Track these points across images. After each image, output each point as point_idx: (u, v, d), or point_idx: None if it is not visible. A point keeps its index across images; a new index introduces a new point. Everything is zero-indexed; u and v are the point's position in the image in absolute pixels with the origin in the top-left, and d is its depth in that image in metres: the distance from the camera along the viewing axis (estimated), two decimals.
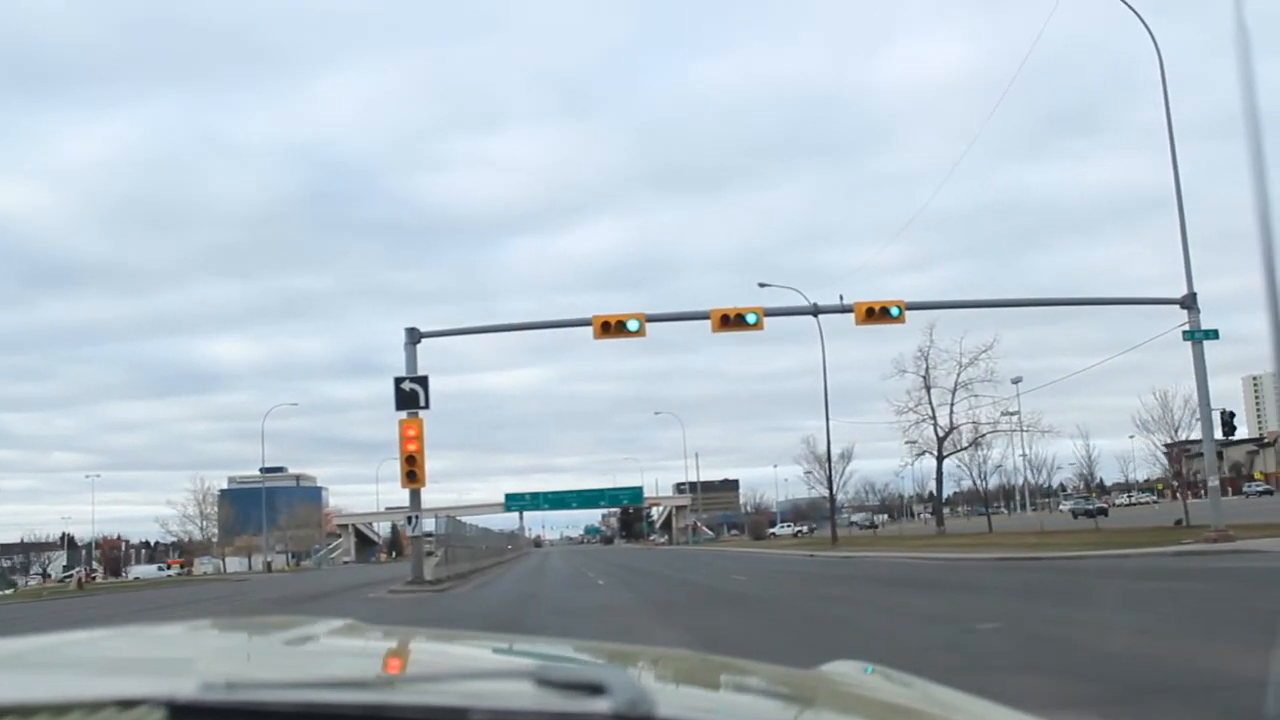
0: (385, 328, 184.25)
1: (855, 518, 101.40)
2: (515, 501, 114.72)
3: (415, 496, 28.70)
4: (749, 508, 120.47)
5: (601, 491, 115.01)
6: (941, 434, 55.52)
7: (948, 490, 63.96)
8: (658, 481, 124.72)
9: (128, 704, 1.00)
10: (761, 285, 47.97)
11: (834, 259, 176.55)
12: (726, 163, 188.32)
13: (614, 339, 30.15)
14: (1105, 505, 74.33)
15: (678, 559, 54.64)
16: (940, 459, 55.85)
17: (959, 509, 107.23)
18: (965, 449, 54.46)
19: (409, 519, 31.37)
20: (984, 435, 53.10)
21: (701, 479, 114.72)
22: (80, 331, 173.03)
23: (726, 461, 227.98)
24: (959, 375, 54.87)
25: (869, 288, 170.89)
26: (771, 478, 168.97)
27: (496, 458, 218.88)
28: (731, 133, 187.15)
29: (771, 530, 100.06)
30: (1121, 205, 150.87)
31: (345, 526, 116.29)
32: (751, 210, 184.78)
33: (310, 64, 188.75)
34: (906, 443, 55.85)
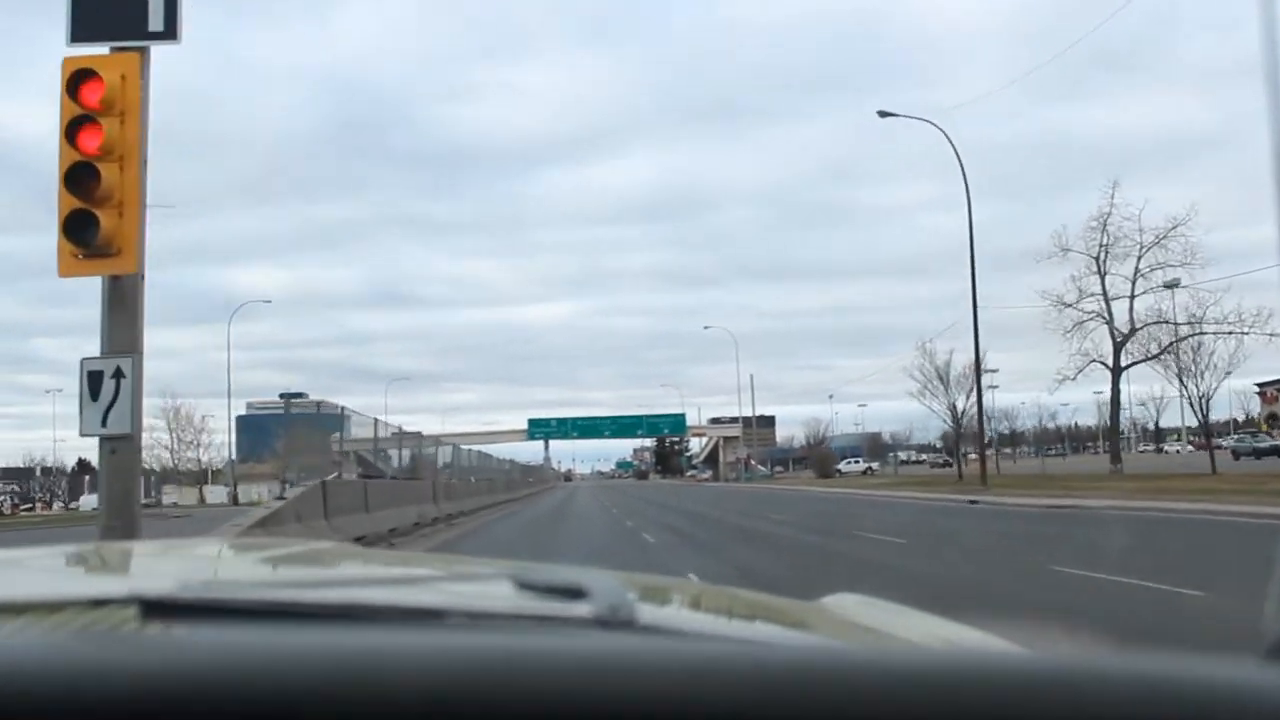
0: (415, 257, 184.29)
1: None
2: (540, 428, 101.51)
3: (117, 301, 8.02)
4: (806, 441, 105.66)
5: (639, 419, 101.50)
6: (1120, 337, 40.86)
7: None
8: (699, 414, 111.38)
9: (101, 603, 1.03)
10: (882, 114, 36.35)
11: (866, 196, 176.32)
12: (759, 95, 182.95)
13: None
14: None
15: (750, 502, 42.20)
16: (1117, 370, 41.23)
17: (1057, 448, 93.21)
18: (1156, 357, 39.67)
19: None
20: (1189, 337, 38.13)
21: (732, 415, 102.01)
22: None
23: (741, 400, 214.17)
24: (1140, 255, 40.11)
25: (902, 225, 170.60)
26: (798, 415, 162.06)
27: (526, 391, 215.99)
28: (764, 64, 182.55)
29: (836, 467, 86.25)
30: (1161, 145, 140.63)
31: (346, 454, 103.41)
32: (784, 144, 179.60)
33: None
34: (1069, 355, 41.24)
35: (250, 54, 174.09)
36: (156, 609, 0.93)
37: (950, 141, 37.24)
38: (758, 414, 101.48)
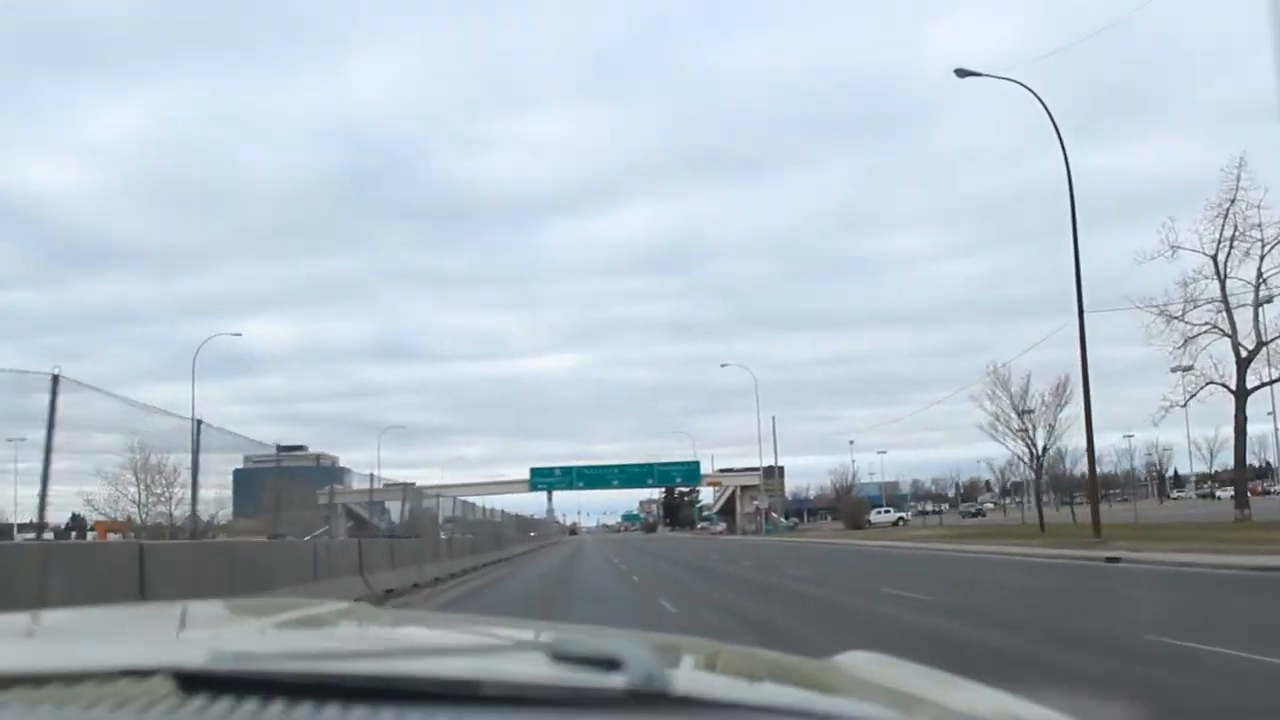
0: (422, 310, 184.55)
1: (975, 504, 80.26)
2: (543, 478, 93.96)
3: None
4: (829, 490, 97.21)
5: (648, 467, 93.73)
6: (1245, 353, 33.45)
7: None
8: (711, 463, 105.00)
9: (135, 673, 1.02)
10: (961, 73, 35.13)
11: (873, 244, 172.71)
12: (765, 144, 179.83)
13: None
14: None
15: (789, 559, 35.62)
16: (1242, 393, 33.75)
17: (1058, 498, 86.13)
18: None
19: None
20: None
21: (744, 466, 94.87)
22: (114, 313, 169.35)
23: (753, 451, 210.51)
24: (1264, 253, 32.94)
25: (910, 276, 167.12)
26: (804, 467, 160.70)
27: (532, 444, 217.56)
28: (771, 114, 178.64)
29: (867, 517, 78.58)
30: (1173, 188, 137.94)
31: (333, 507, 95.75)
32: (791, 193, 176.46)
33: (343, 40, 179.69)
34: (1175, 370, 33.87)
35: (258, 106, 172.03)
36: (190, 682, 0.95)
37: (1038, 99, 31.31)
38: (748, 467, 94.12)
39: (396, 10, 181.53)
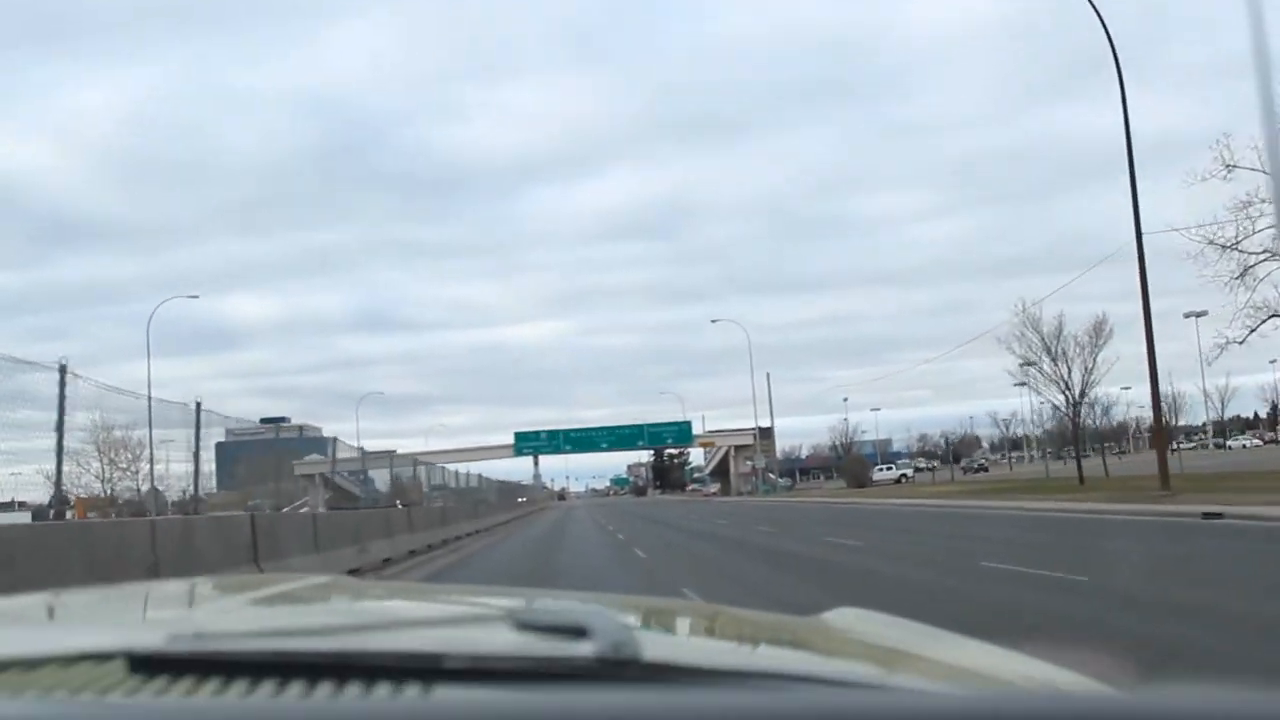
0: (406, 282, 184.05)
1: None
2: (528, 442, 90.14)
3: None
4: (826, 448, 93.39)
5: (639, 428, 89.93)
6: None
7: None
8: (702, 424, 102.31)
9: (93, 657, 1.00)
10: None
11: (857, 206, 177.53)
12: (747, 109, 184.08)
13: None
14: None
15: (798, 520, 33.58)
16: None
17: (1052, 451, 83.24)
18: None
19: None
20: None
21: (735, 427, 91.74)
22: (96, 291, 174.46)
23: (741, 414, 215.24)
24: None
25: (894, 236, 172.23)
26: (792, 428, 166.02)
27: (518, 411, 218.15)
28: (751, 78, 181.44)
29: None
30: (1154, 145, 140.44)
31: (309, 477, 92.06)
32: (773, 158, 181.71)
33: (319, 12, 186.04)
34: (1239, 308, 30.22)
35: (235, 80, 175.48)
36: (145, 664, 0.93)
37: (1102, 22, 27.31)
38: (741, 428, 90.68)
39: None
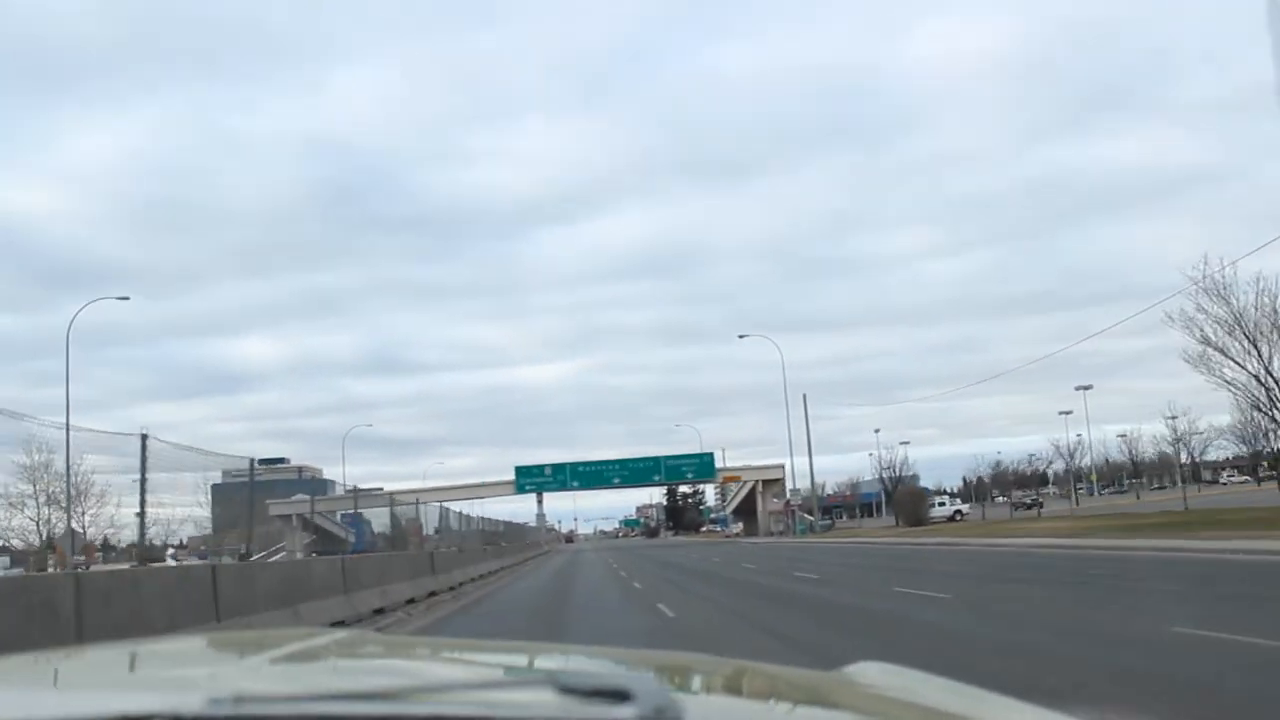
0: (412, 324, 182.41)
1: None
2: (530, 478, 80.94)
3: None
4: (885, 481, 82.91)
5: (654, 461, 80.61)
6: None
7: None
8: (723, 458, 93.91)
9: None
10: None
11: (866, 245, 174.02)
12: (753, 149, 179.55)
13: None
14: None
15: (900, 573, 26.12)
16: None
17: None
18: None
19: None
20: None
21: (758, 464, 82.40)
22: (99, 336, 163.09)
23: (757, 453, 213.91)
24: None
25: (903, 274, 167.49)
26: (805, 468, 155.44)
27: (524, 453, 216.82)
28: (757, 118, 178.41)
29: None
30: (1159, 182, 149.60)
31: (286, 519, 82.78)
32: (780, 198, 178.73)
33: (322, 57, 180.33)
34: None
35: (237, 126, 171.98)
36: None
37: None
38: (766, 464, 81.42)
39: (375, 25, 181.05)
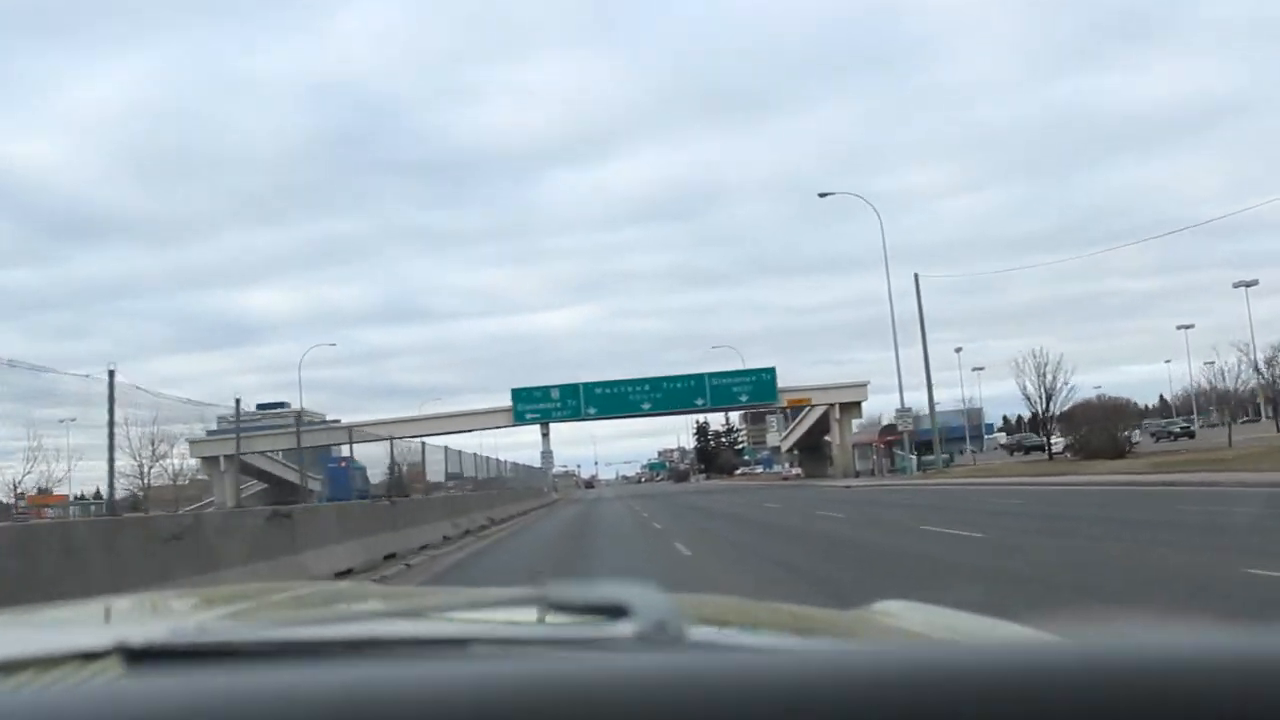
0: (424, 269, 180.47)
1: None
2: (530, 404, 61.56)
3: None
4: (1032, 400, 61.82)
5: (696, 380, 60.82)
6: None
7: None
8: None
9: (90, 656, 0.94)
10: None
11: (884, 182, 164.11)
12: (768, 84, 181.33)
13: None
14: None
15: None
16: None
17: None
18: None
19: None
20: None
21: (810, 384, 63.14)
22: (115, 286, 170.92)
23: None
24: None
25: (922, 213, 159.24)
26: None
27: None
28: (772, 51, 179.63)
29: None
30: (1184, 114, 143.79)
31: (213, 461, 63.99)
32: (796, 133, 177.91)
33: None
34: None
35: (243, 69, 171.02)
36: (144, 657, 0.87)
37: None
38: (842, 383, 61.73)
39: None
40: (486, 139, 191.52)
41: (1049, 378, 46.74)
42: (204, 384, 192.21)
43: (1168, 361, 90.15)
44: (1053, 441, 49.98)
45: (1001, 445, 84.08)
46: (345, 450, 40.93)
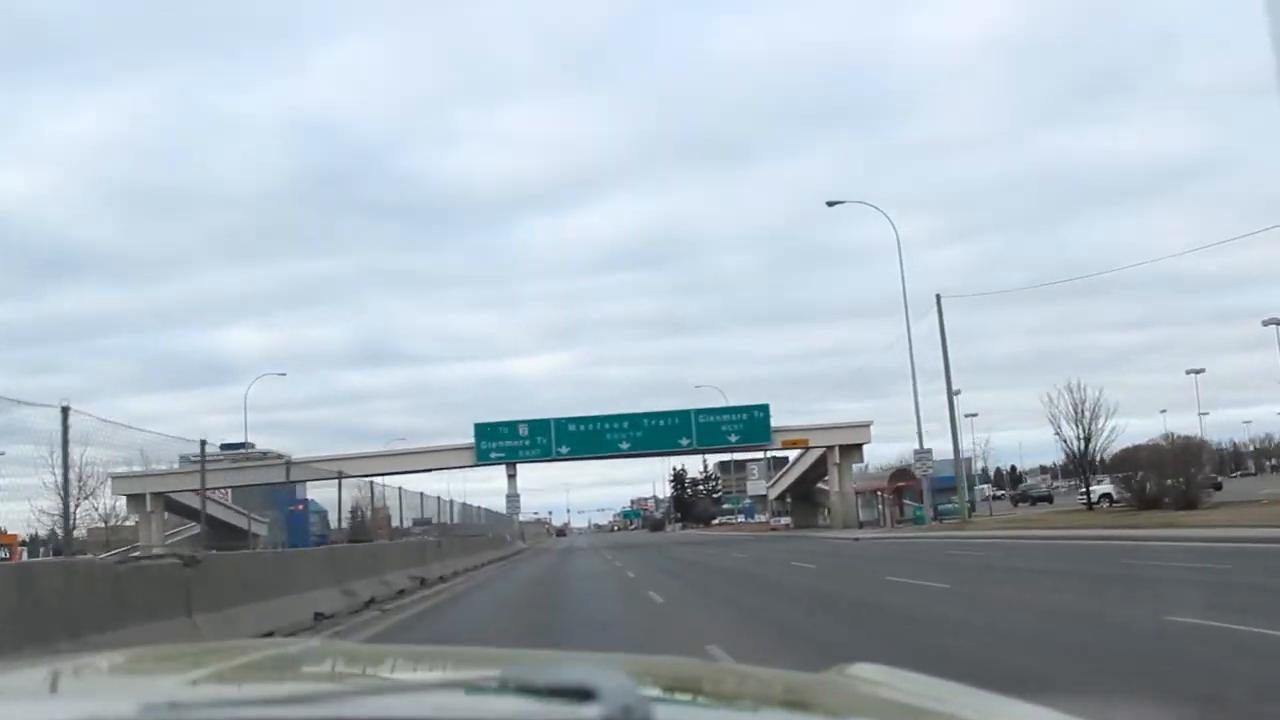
0: (400, 312, 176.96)
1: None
2: (495, 441, 54.70)
3: None
4: (1067, 441, 54.93)
5: (682, 417, 54.21)
6: None
7: None
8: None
9: None
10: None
11: (864, 234, 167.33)
12: (749, 133, 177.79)
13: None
14: None
15: None
16: None
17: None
18: None
19: None
20: None
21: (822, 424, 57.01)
22: (89, 324, 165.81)
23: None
24: None
25: (896, 264, 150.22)
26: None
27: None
28: (753, 100, 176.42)
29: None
30: (1160, 170, 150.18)
31: (138, 499, 56.68)
32: (776, 183, 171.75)
33: (308, 35, 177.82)
34: None
35: (222, 107, 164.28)
36: None
37: None
38: (840, 424, 55.57)
39: (361, 1, 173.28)
40: (466, 182, 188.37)
41: (1087, 416, 40.77)
42: (175, 422, 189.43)
43: (1163, 412, 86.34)
44: (1092, 489, 44.08)
45: (1011, 496, 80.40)
46: (306, 492, 36.68)
